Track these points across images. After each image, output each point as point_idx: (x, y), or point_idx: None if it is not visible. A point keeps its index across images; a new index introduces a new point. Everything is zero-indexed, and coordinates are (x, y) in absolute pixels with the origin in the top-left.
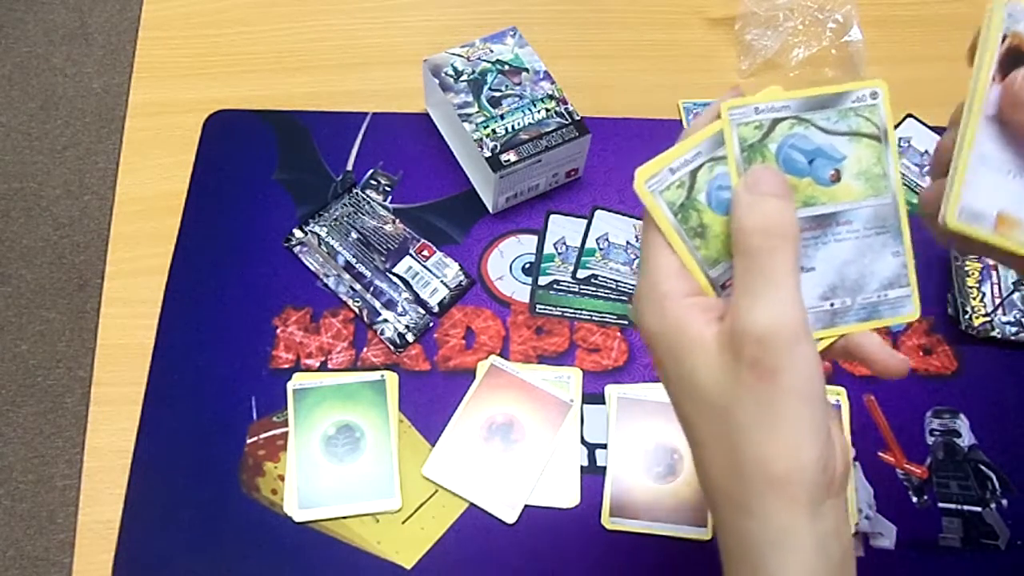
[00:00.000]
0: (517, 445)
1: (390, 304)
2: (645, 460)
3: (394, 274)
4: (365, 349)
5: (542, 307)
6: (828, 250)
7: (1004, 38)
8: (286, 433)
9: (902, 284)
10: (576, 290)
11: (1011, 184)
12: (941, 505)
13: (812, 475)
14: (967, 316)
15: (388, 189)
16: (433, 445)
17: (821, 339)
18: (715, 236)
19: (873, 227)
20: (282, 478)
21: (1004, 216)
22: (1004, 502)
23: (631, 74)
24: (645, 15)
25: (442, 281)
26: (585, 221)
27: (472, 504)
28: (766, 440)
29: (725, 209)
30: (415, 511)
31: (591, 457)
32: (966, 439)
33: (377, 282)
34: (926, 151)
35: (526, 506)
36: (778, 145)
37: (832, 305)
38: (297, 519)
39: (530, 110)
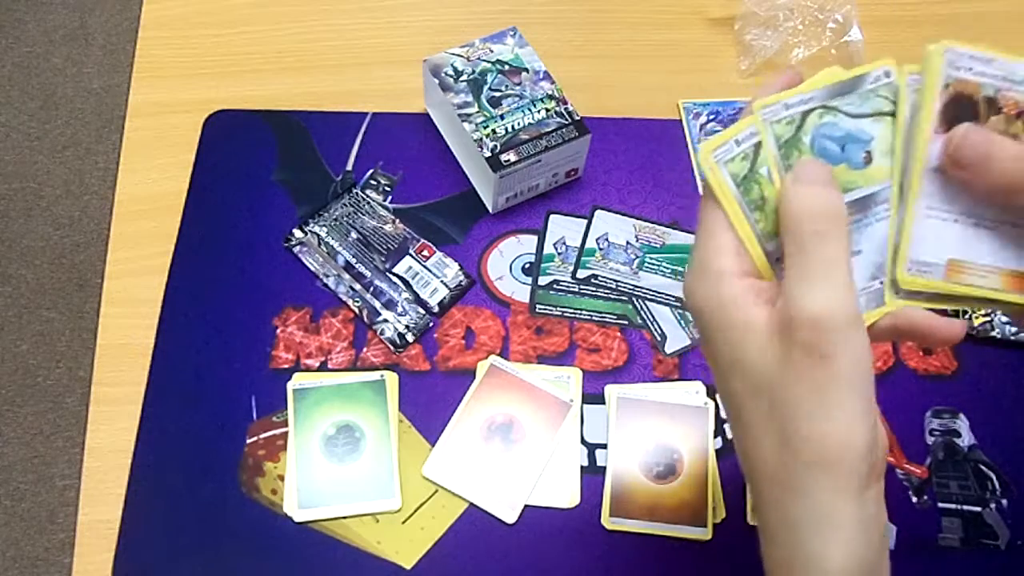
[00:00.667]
0: (517, 445)
1: (390, 304)
2: (645, 460)
3: (394, 274)
4: (365, 349)
5: (542, 307)
6: (871, 231)
7: (946, 86)
8: (286, 433)
9: None
10: (576, 290)
11: (957, 231)
12: (941, 505)
13: (861, 459)
14: (967, 316)
15: (388, 189)
16: (433, 445)
17: (873, 317)
18: (775, 210)
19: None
20: (282, 478)
21: (954, 263)
22: (1004, 502)
23: (631, 74)
24: (645, 15)
25: (442, 281)
26: (585, 221)
27: (472, 504)
28: (819, 422)
29: (824, 157)
30: (415, 511)
31: (591, 457)
32: (966, 439)
33: (377, 282)
34: None
35: (526, 506)
36: (811, 136)
37: (881, 283)
38: (297, 519)
39: (530, 110)
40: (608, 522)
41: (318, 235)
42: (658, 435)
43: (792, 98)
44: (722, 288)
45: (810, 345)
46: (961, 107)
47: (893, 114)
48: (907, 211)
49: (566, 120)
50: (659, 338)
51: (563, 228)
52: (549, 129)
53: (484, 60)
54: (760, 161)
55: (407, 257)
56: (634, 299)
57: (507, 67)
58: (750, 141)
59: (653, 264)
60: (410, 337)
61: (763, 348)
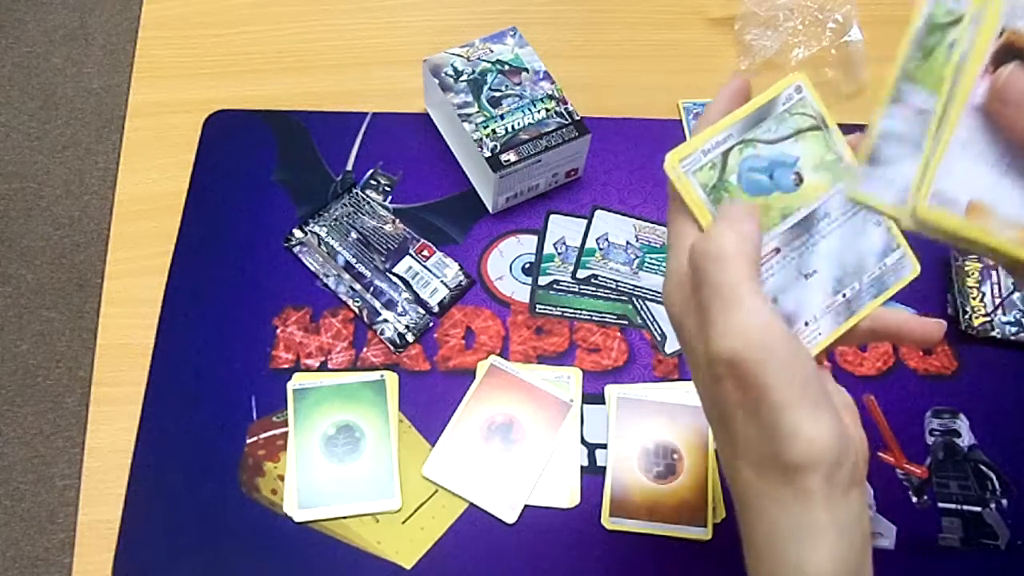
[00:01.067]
0: (517, 445)
1: (390, 304)
2: (645, 460)
3: (394, 274)
4: (365, 349)
5: (542, 307)
6: (821, 248)
7: (1001, 32)
8: (286, 433)
9: (893, 247)
10: (576, 290)
11: (988, 174)
12: (941, 505)
13: (830, 465)
14: (967, 316)
15: (388, 189)
16: (433, 445)
17: (839, 332)
18: None
19: (848, 209)
20: (282, 478)
21: (976, 204)
22: (1004, 502)
23: (631, 74)
24: (645, 15)
25: (442, 281)
26: (585, 221)
27: (472, 504)
28: (776, 440)
29: (755, 190)
30: (415, 511)
31: (591, 457)
32: (966, 439)
33: (377, 282)
34: None
35: (526, 506)
36: (737, 174)
37: (844, 295)
38: (297, 519)
39: (530, 110)
40: (608, 522)
41: (318, 235)
42: (658, 435)
43: (707, 143)
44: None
45: (738, 381)
46: (1013, 55)
47: (816, 127)
48: (941, 142)
49: (566, 120)
50: (659, 338)
51: (563, 228)
52: (549, 129)
53: (484, 60)
54: (728, 169)
55: (407, 257)
56: (634, 299)
57: (507, 67)
58: (717, 150)
59: (653, 264)
60: (410, 337)
61: None
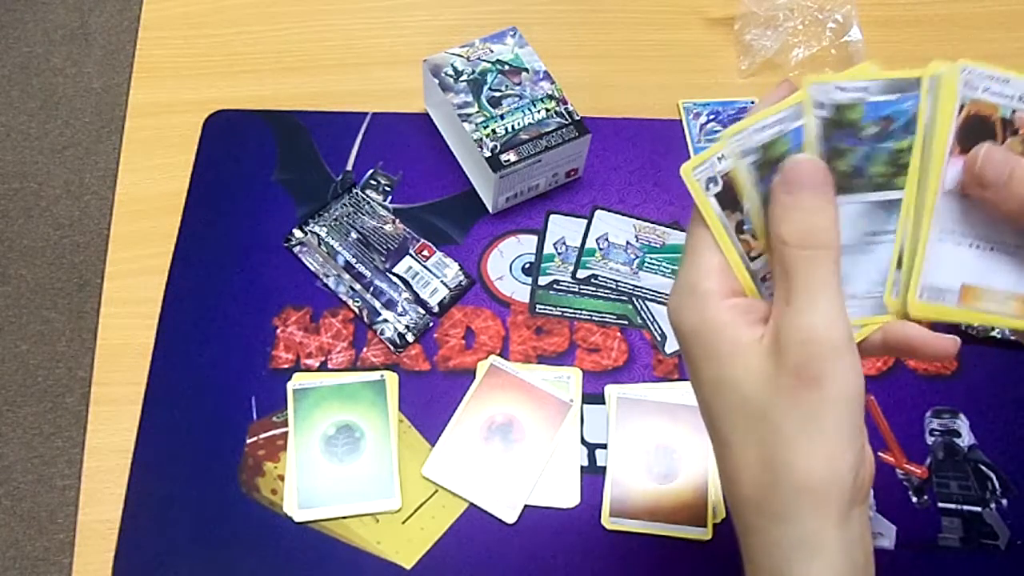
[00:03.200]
0: (517, 445)
1: (390, 304)
2: (645, 460)
3: (394, 274)
4: (365, 349)
5: (542, 307)
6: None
7: (961, 107)
8: (286, 433)
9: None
10: (576, 290)
11: (974, 255)
12: (941, 505)
13: (846, 485)
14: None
15: (388, 189)
16: (433, 445)
17: (865, 328)
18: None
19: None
20: (282, 478)
21: (969, 289)
22: (1004, 502)
23: (631, 74)
24: (645, 15)
25: (442, 281)
26: (585, 221)
27: (472, 504)
28: (806, 448)
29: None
30: (415, 511)
31: (591, 457)
32: (966, 439)
33: (377, 282)
34: None
35: (526, 506)
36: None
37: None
38: (297, 519)
39: (530, 110)
40: (608, 522)
41: (318, 235)
42: (658, 435)
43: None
44: (708, 310)
45: (801, 368)
46: (977, 129)
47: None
48: (921, 235)
49: (566, 120)
50: (659, 338)
51: (563, 228)
52: (549, 129)
53: (484, 60)
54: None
55: (407, 257)
56: (634, 299)
57: (507, 67)
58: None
59: (653, 264)
60: (410, 337)
61: (752, 370)
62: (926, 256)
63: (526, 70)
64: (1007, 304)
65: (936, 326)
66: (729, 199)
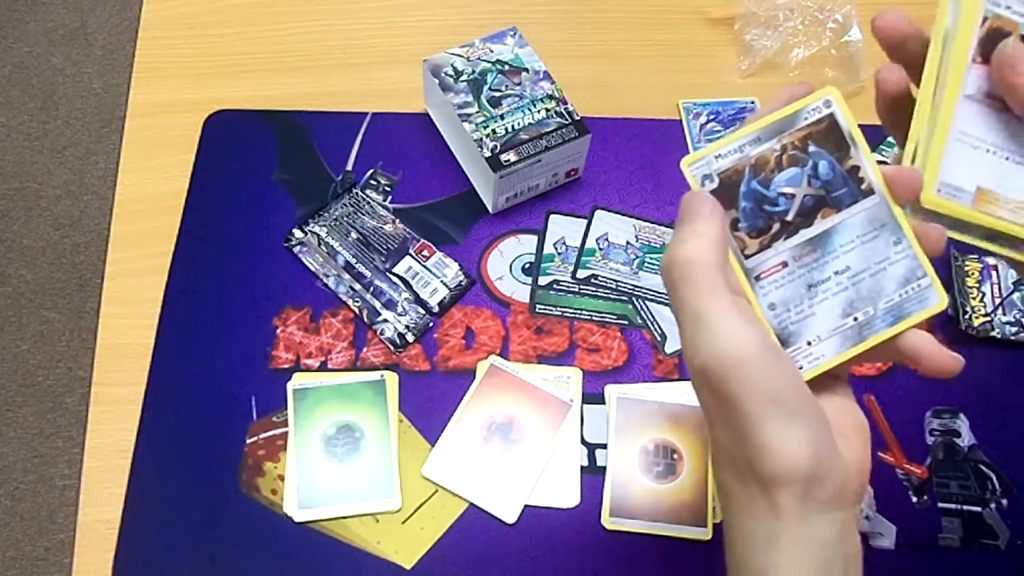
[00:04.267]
0: (517, 445)
1: (390, 304)
2: (645, 460)
3: (394, 274)
4: (365, 349)
5: (542, 307)
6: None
7: (984, 19)
8: (286, 433)
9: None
10: (576, 290)
11: (990, 161)
12: (941, 505)
13: (803, 481)
14: (967, 316)
15: (388, 189)
16: (433, 445)
17: (843, 358)
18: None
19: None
20: (282, 478)
21: (984, 191)
22: (1004, 502)
23: (631, 74)
24: (645, 15)
25: (442, 281)
26: (585, 221)
27: (472, 504)
28: (745, 449)
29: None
30: (415, 511)
31: (591, 457)
32: (966, 439)
33: (377, 282)
34: None
35: (526, 506)
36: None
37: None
38: (297, 519)
39: (530, 110)
40: (608, 522)
41: (318, 235)
42: (658, 435)
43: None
44: (703, 252)
45: (713, 389)
46: (997, 42)
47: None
48: (937, 134)
49: (566, 120)
50: (659, 338)
51: (563, 228)
52: (549, 129)
53: (484, 60)
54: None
55: (407, 257)
56: (634, 299)
57: (507, 67)
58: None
59: (653, 264)
60: (410, 337)
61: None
62: (943, 154)
63: (526, 70)
64: (1018, 213)
65: (939, 339)
66: (725, 196)
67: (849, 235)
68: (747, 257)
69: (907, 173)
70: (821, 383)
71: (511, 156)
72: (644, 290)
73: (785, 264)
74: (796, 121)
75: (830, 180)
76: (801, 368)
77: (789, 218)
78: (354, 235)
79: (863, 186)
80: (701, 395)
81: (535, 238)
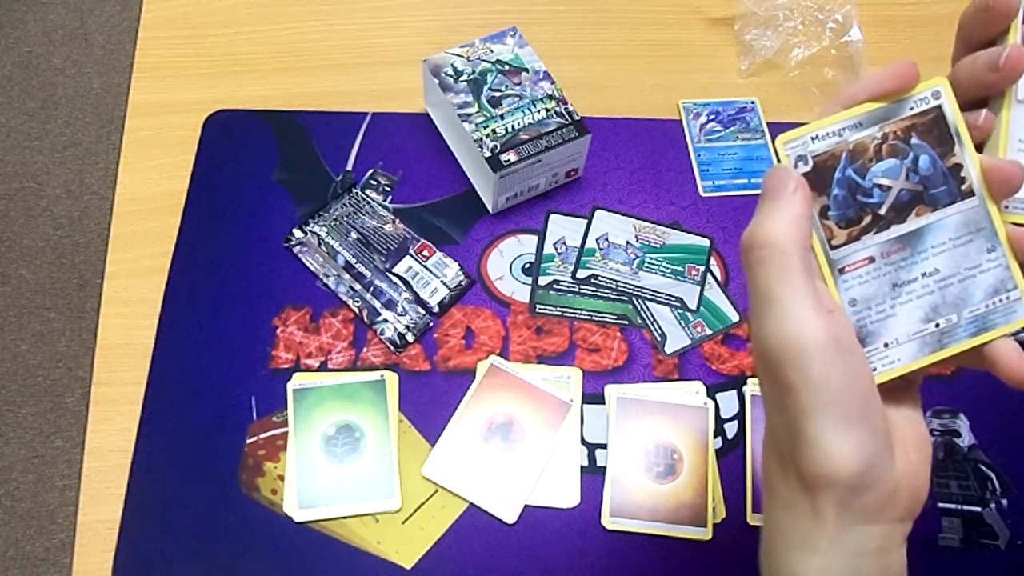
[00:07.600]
0: (517, 445)
1: (390, 304)
2: (645, 460)
3: (394, 274)
4: (365, 349)
5: (542, 307)
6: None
7: None
8: (286, 433)
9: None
10: (576, 290)
11: None
12: (941, 505)
13: (845, 488)
14: None
15: (388, 189)
16: (433, 445)
17: (919, 365)
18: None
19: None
20: (282, 478)
21: None
22: (1004, 502)
23: (631, 74)
24: (645, 15)
25: (442, 281)
26: (585, 221)
27: (472, 504)
28: (795, 442)
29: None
30: (415, 511)
31: (591, 457)
32: (966, 439)
33: (377, 282)
34: None
35: (526, 506)
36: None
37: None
38: (297, 519)
39: (530, 110)
40: (608, 522)
41: (318, 235)
42: (658, 435)
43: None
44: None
45: (774, 376)
46: None
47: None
48: (1000, 145)
49: (566, 120)
50: (659, 338)
51: (563, 228)
52: (549, 129)
53: (484, 60)
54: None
55: (407, 257)
56: (634, 299)
57: (507, 67)
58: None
59: (653, 264)
60: (410, 337)
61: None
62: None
63: (526, 70)
64: None
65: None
66: (817, 181)
67: (942, 236)
68: (833, 248)
69: (1009, 168)
70: (893, 389)
71: (511, 156)
72: (644, 290)
73: (872, 260)
74: (901, 110)
75: (929, 176)
76: (875, 370)
77: (882, 211)
78: (354, 235)
79: (963, 187)
80: (762, 381)
81: (535, 238)
